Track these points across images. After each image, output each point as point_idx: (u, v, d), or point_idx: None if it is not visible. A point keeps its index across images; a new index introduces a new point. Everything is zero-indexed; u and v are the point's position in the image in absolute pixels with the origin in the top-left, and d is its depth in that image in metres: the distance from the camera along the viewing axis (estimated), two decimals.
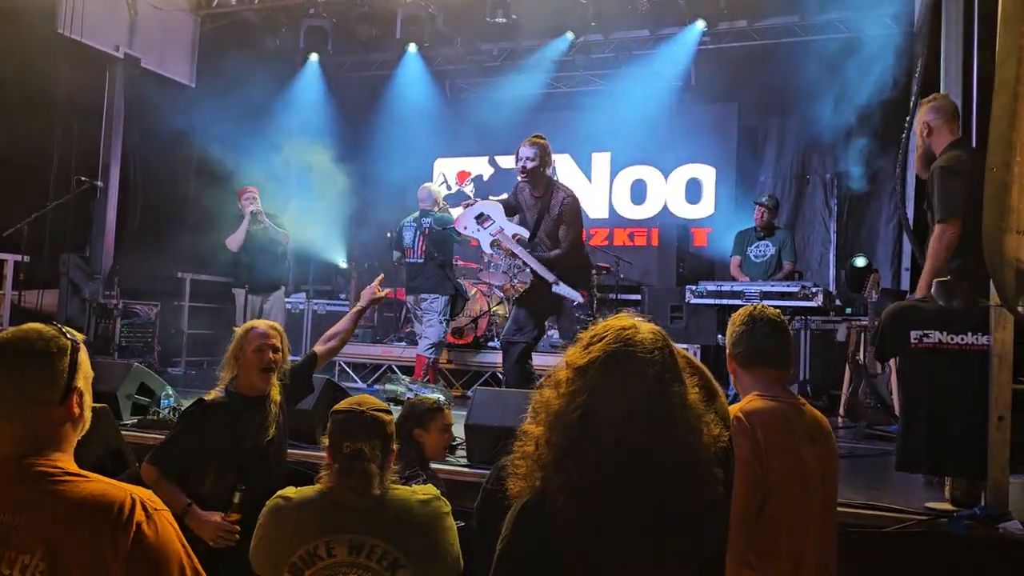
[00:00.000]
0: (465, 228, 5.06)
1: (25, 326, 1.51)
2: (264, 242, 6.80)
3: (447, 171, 10.58)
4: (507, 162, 10.27)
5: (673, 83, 9.41)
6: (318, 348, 3.46)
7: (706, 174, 9.39)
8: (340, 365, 8.01)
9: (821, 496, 2.25)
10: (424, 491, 2.25)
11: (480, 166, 10.63)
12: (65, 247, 7.36)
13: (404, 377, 6.85)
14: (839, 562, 2.29)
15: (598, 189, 9.96)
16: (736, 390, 2.46)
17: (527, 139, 4.85)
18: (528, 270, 4.96)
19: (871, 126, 8.58)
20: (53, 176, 7.25)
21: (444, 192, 9.66)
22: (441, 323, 6.60)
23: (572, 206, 4.86)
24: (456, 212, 5.61)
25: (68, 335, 1.52)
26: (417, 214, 6.83)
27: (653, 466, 1.30)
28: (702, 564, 1.36)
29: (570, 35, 9.04)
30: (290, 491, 2.20)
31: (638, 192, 9.80)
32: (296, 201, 10.23)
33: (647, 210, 9.73)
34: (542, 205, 4.90)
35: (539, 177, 4.84)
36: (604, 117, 9.36)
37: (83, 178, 7.41)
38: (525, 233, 4.91)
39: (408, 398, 4.72)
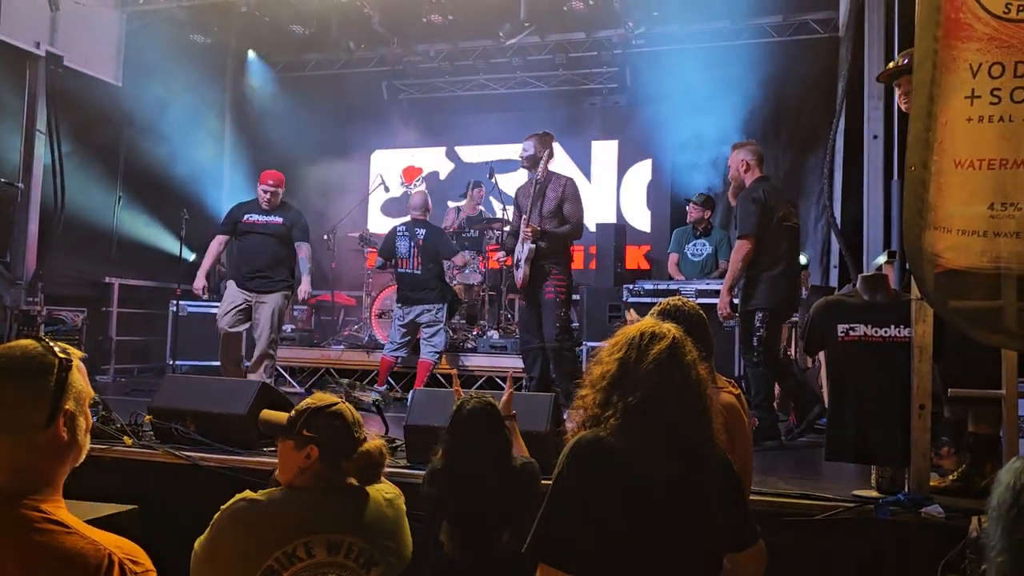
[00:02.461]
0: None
1: (10, 343, 1.40)
2: (268, 236, 6.00)
3: (387, 168, 9.82)
4: (470, 154, 9.99)
5: (608, 84, 9.57)
6: None
7: (642, 174, 9.52)
8: (277, 369, 7.86)
9: (748, 477, 2.52)
10: (388, 489, 2.27)
11: (435, 160, 10.18)
12: None
13: (343, 380, 6.77)
14: None
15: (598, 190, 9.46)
16: None
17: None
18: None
19: (799, 127, 8.85)
20: None
21: (387, 197, 9.54)
22: (445, 331, 6.61)
23: (573, 186, 5.47)
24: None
25: (59, 351, 1.39)
26: (410, 222, 6.70)
27: (673, 414, 1.80)
28: (711, 486, 1.81)
29: (506, 38, 9.06)
30: (251, 493, 2.14)
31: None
32: (227, 202, 10.03)
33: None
34: (540, 187, 5.43)
35: (535, 163, 5.45)
36: (539, 117, 9.39)
37: (2, 180, 7.11)
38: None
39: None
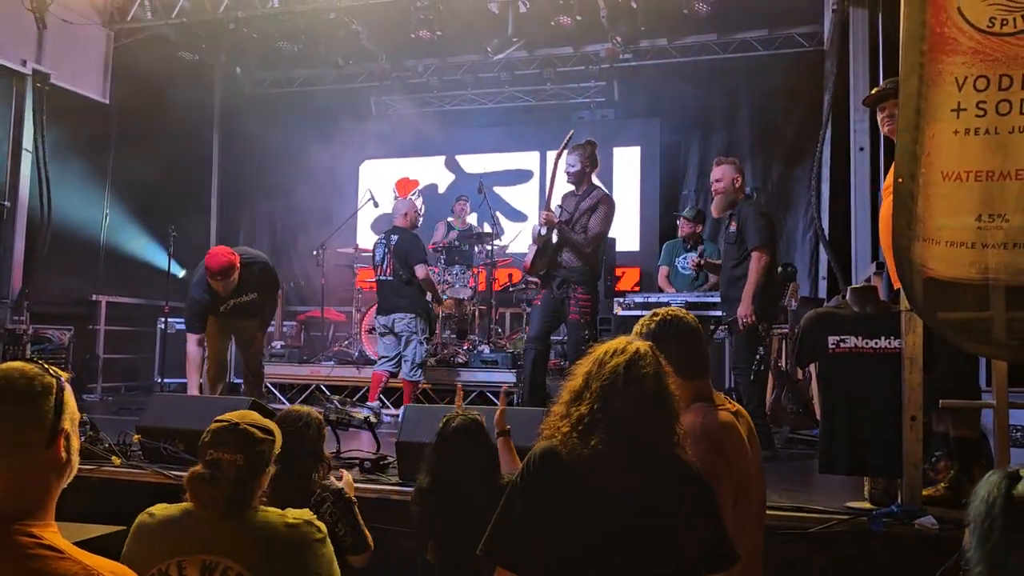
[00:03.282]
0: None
1: (5, 364, 1.42)
2: (240, 313, 5.56)
3: (376, 183, 9.57)
4: (471, 164, 9.89)
5: (596, 99, 9.64)
6: None
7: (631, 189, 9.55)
8: (267, 386, 7.81)
9: (759, 494, 2.30)
10: (296, 515, 2.15)
11: (432, 172, 10.05)
12: None
13: (334, 396, 6.71)
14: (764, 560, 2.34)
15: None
16: None
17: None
18: None
19: (785, 140, 8.92)
20: None
21: (378, 213, 9.46)
22: (421, 343, 6.39)
23: (606, 202, 5.42)
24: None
25: (52, 372, 1.42)
26: (389, 229, 6.57)
27: (631, 427, 1.80)
28: (677, 502, 1.78)
29: (494, 53, 9.11)
30: (158, 507, 2.11)
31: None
32: (216, 219, 10.01)
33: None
34: (578, 200, 5.46)
35: (582, 178, 5.47)
36: (527, 131, 9.43)
37: None
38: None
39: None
